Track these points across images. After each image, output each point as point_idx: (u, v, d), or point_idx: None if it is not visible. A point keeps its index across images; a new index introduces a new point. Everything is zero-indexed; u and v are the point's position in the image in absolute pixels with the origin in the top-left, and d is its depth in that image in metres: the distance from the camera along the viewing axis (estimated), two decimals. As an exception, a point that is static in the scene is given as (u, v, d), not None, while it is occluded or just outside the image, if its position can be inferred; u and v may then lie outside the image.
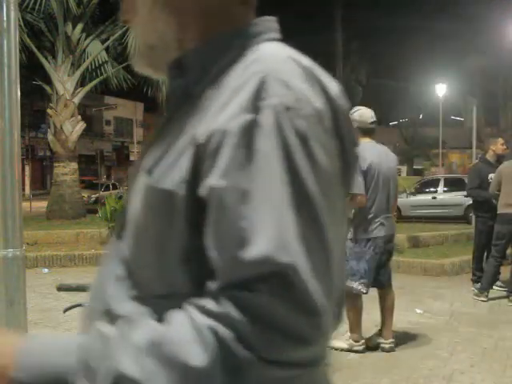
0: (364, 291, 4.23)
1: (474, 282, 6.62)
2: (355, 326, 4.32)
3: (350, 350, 4.28)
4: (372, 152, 4.17)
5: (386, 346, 4.36)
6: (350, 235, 4.22)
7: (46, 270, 7.93)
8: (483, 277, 6.34)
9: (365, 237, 4.20)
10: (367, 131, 4.26)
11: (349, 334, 4.31)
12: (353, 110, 4.27)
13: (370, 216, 4.19)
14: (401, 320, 5.23)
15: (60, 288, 1.88)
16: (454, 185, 17.35)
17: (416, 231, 9.60)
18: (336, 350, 4.16)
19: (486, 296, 6.19)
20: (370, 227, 4.20)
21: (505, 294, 6.27)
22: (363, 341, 4.36)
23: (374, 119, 4.31)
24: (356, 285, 4.18)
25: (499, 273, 6.43)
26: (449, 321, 5.34)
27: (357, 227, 4.20)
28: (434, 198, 17.20)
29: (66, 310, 1.78)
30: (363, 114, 4.24)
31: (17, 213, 2.63)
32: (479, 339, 4.73)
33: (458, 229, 10.62)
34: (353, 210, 4.18)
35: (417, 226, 10.61)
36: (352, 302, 4.19)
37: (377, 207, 4.20)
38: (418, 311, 5.64)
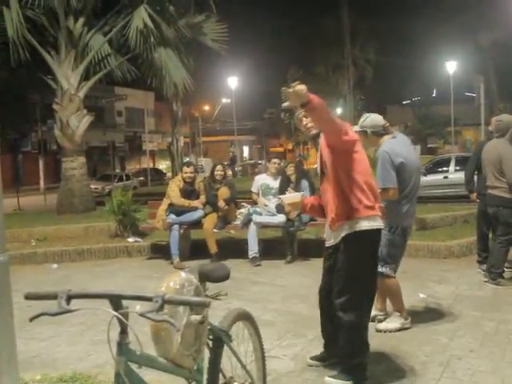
0: (393, 275, 4.52)
1: (480, 263, 6.54)
2: (401, 305, 4.61)
3: (401, 329, 4.56)
4: (401, 147, 4.43)
5: (382, 317, 4.67)
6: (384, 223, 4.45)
7: (54, 266, 8.03)
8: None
9: (397, 225, 4.42)
10: (383, 133, 4.47)
11: (397, 313, 4.60)
12: (363, 119, 4.50)
13: (403, 205, 4.42)
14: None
15: (28, 296, 1.89)
16: (465, 163, 17.04)
17: (425, 213, 9.44)
18: (390, 331, 4.50)
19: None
20: (403, 216, 4.44)
21: (511, 274, 6.21)
22: (409, 318, 4.67)
23: (384, 122, 4.52)
24: (386, 270, 4.46)
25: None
26: (452, 304, 5.30)
27: (394, 216, 4.36)
28: (446, 177, 16.97)
29: (32, 319, 1.79)
30: (373, 119, 4.48)
31: (-2, 218, 2.60)
32: (481, 323, 4.69)
33: (468, 208, 10.39)
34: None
35: (427, 208, 10.43)
36: (386, 287, 4.52)
37: (408, 196, 4.45)
38: (422, 296, 5.58)
